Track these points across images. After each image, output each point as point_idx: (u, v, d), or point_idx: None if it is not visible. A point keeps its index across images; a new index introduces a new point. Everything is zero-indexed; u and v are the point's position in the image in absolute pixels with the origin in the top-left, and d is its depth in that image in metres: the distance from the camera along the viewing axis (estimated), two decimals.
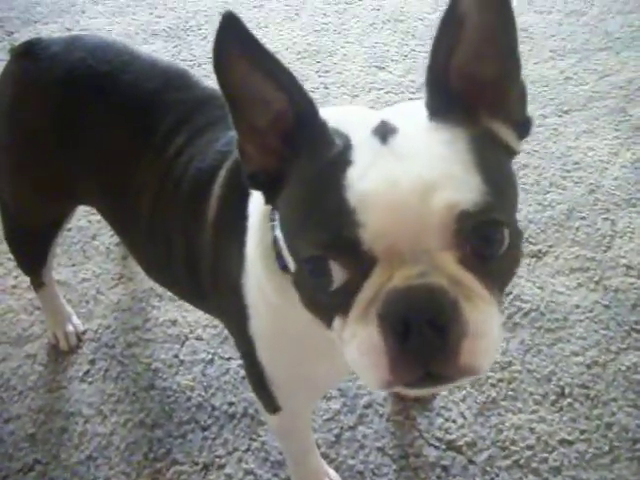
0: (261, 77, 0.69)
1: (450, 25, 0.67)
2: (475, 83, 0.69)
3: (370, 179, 0.63)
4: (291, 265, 0.76)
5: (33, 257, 1.45)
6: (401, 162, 0.63)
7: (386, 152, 0.65)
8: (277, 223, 0.79)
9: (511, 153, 0.73)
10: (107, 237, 1.79)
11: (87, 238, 1.81)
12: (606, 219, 1.75)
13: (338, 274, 0.65)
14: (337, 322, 0.68)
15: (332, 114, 0.73)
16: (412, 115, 0.70)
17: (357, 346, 0.65)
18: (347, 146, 0.67)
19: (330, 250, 0.64)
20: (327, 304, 0.68)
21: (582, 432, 1.36)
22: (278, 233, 0.79)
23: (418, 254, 0.62)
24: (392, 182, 0.62)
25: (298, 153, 0.71)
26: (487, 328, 0.63)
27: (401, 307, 0.61)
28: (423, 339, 0.60)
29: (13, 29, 2.64)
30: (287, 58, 2.32)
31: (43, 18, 2.69)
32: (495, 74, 0.70)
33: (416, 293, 0.61)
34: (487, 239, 0.64)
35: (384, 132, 0.67)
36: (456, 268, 0.63)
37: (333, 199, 0.63)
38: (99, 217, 1.73)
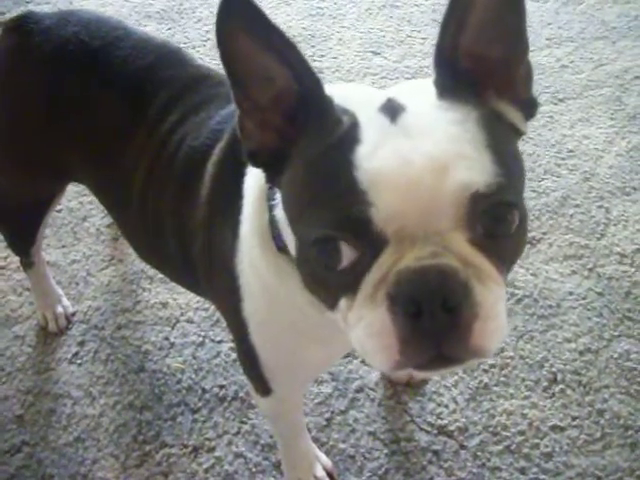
0: (265, 51, 0.67)
1: (459, 3, 0.66)
2: (483, 62, 0.69)
3: (381, 158, 0.62)
4: (291, 246, 0.75)
5: (22, 236, 1.43)
6: (412, 141, 0.62)
7: (396, 130, 0.64)
8: (275, 203, 0.77)
9: (518, 134, 0.73)
10: (98, 219, 1.77)
11: (78, 219, 1.79)
12: (600, 207, 1.75)
13: (347, 254, 0.63)
14: (343, 303, 0.66)
15: (337, 91, 0.71)
16: (419, 93, 0.69)
17: (365, 328, 0.64)
18: (354, 124, 0.66)
19: (340, 230, 0.63)
20: (333, 285, 0.67)
21: (574, 418, 1.35)
22: (276, 213, 0.77)
23: (429, 234, 0.61)
24: (404, 161, 0.61)
25: (302, 131, 0.69)
26: (497, 309, 0.63)
27: (413, 288, 0.60)
28: (435, 320, 0.59)
29: (5, 9, 2.60)
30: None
31: None
32: (503, 53, 0.69)
33: (428, 274, 0.60)
34: (498, 220, 0.63)
35: (392, 110, 0.66)
36: (467, 249, 0.62)
37: (342, 178, 0.62)
38: (90, 198, 1.73)
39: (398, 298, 0.61)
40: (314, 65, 2.18)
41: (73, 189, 1.76)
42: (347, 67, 2.21)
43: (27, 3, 2.62)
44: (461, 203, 0.60)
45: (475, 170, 0.61)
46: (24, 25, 1.14)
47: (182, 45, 2.31)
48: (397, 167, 0.61)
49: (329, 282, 0.67)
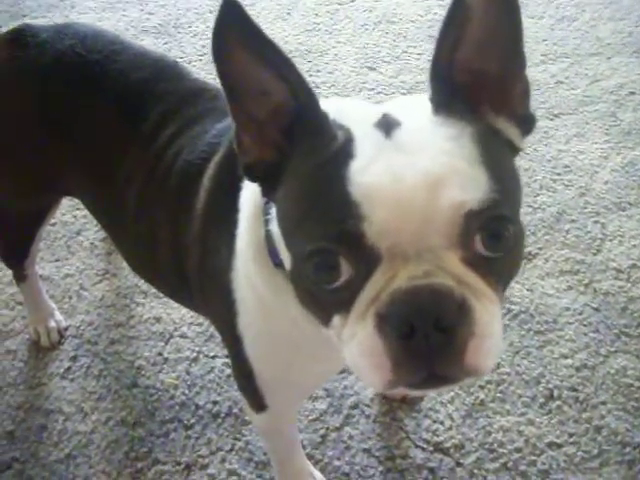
0: (261, 66, 0.67)
1: (456, 18, 0.66)
2: (480, 78, 0.68)
3: (374, 173, 0.61)
4: (286, 261, 0.74)
5: (16, 249, 1.42)
6: (406, 156, 0.62)
7: (390, 146, 0.63)
8: (271, 217, 0.77)
9: (514, 150, 0.72)
10: (92, 232, 1.76)
11: (72, 233, 1.78)
12: (596, 222, 1.75)
13: (341, 270, 0.63)
14: (336, 320, 0.66)
15: (333, 106, 0.71)
16: (415, 109, 0.69)
17: (357, 346, 0.63)
18: (349, 139, 0.65)
19: (333, 243, 0.62)
20: (327, 301, 0.66)
21: (571, 435, 1.34)
22: (272, 227, 0.77)
23: (423, 252, 0.60)
24: (397, 176, 0.60)
25: (298, 145, 0.69)
26: (492, 328, 0.62)
27: (406, 309, 0.60)
28: (428, 340, 0.59)
29: (1, 23, 2.60)
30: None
31: (32, 12, 2.66)
32: (500, 69, 0.69)
33: (421, 294, 0.59)
34: (493, 237, 0.63)
35: (387, 125, 0.65)
36: (461, 268, 0.61)
37: (336, 192, 0.62)
38: (84, 212, 1.72)
39: (390, 319, 0.60)
40: (310, 80, 2.19)
41: (67, 203, 1.75)
42: (343, 82, 2.22)
43: (23, 17, 2.62)
44: (455, 222, 0.60)
45: (469, 187, 0.60)
46: (20, 38, 1.14)
47: (179, 60, 2.29)
48: (390, 182, 0.60)
49: (323, 299, 0.67)
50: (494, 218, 0.62)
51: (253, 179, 0.75)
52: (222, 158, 0.94)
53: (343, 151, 0.64)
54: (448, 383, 0.63)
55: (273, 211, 0.76)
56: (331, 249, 0.62)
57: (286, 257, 0.73)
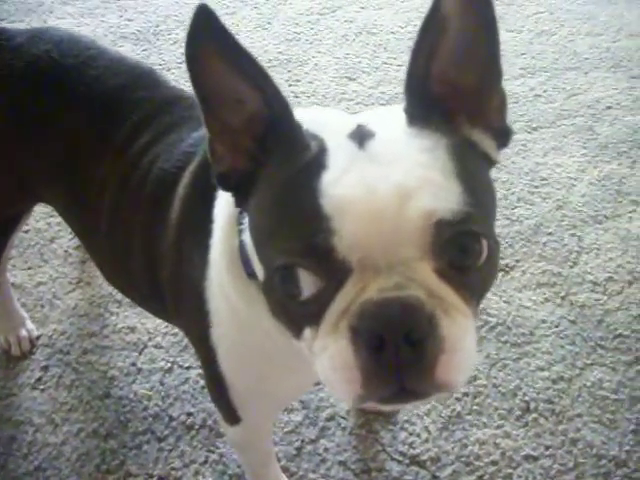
0: (235, 75, 0.66)
1: (431, 29, 0.65)
2: (455, 89, 0.68)
3: (346, 185, 0.60)
4: (259, 272, 0.73)
5: None
6: (378, 168, 0.61)
7: (363, 157, 0.63)
8: (244, 227, 0.76)
9: (490, 163, 0.72)
10: (66, 240, 1.73)
11: (45, 241, 1.75)
12: (573, 235, 1.75)
13: (310, 283, 0.62)
14: (307, 333, 0.65)
15: (307, 116, 0.71)
16: (390, 120, 0.68)
17: (328, 359, 0.62)
18: (322, 150, 0.65)
19: (303, 258, 0.61)
20: (298, 314, 0.65)
21: (547, 448, 1.34)
22: (245, 238, 0.76)
23: (394, 264, 0.60)
24: (369, 188, 0.60)
25: (271, 155, 0.68)
26: (464, 342, 0.61)
27: (376, 321, 0.59)
28: (398, 354, 0.58)
29: None
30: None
31: (9, 16, 2.63)
32: (476, 81, 0.68)
33: (392, 306, 0.59)
34: (465, 249, 0.62)
35: (361, 136, 0.65)
36: (433, 280, 0.61)
37: (306, 204, 0.61)
38: (58, 220, 1.69)
39: (360, 331, 0.59)
40: (290, 90, 2.18)
41: (41, 210, 1.72)
42: (323, 92, 2.22)
43: (1, 21, 2.59)
44: (425, 231, 0.59)
45: (440, 197, 0.60)
46: None
47: (157, 67, 2.29)
48: (361, 194, 0.60)
49: (293, 311, 0.66)
50: (467, 232, 0.61)
51: (227, 189, 0.74)
52: (197, 167, 0.93)
53: (316, 162, 0.64)
54: (419, 398, 0.62)
55: (246, 221, 0.75)
56: (301, 263, 0.61)
57: (259, 268, 0.72)
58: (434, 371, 0.59)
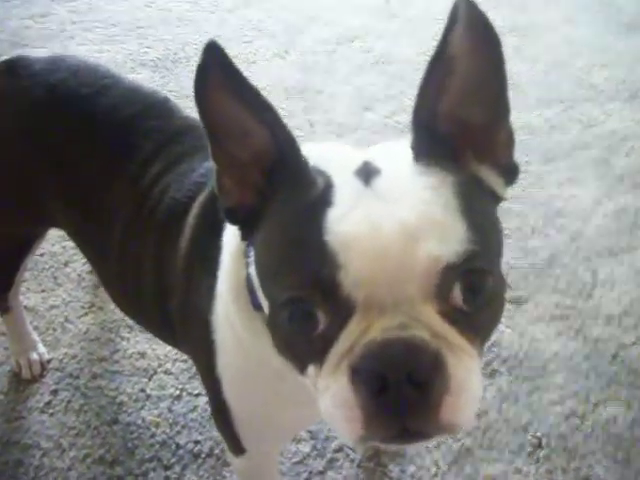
0: (243, 110, 0.67)
1: (438, 67, 0.66)
2: (462, 127, 0.68)
3: (351, 222, 0.61)
4: (265, 305, 0.73)
5: None
6: (384, 205, 0.61)
7: (369, 194, 0.63)
8: (251, 260, 0.76)
9: (497, 199, 0.72)
10: (80, 264, 1.75)
11: (59, 264, 1.76)
12: (587, 268, 1.74)
13: (315, 321, 0.62)
14: (311, 370, 0.65)
15: (314, 151, 0.71)
16: (396, 157, 0.69)
17: (330, 398, 0.62)
18: (328, 186, 0.65)
19: (308, 293, 0.61)
20: (302, 351, 0.65)
21: None
22: (252, 270, 0.76)
23: (399, 304, 0.59)
24: (374, 226, 0.60)
25: (277, 190, 0.69)
26: (470, 383, 0.61)
27: (378, 361, 0.58)
28: (401, 395, 0.57)
29: (1, 51, 2.62)
30: (274, 94, 2.31)
31: (32, 42, 2.67)
32: (483, 118, 0.68)
33: (395, 346, 0.58)
34: (471, 290, 0.61)
35: (367, 173, 0.65)
36: (438, 320, 0.60)
37: (312, 240, 0.61)
38: (73, 244, 1.70)
39: (362, 372, 0.59)
40: (305, 118, 2.19)
41: (56, 233, 1.73)
42: (338, 121, 2.23)
43: (24, 46, 2.64)
44: (432, 275, 0.59)
45: (447, 239, 0.60)
46: (13, 69, 1.14)
47: (175, 94, 2.32)
48: (367, 232, 0.60)
49: (298, 348, 0.66)
50: (472, 270, 0.61)
51: (233, 222, 0.74)
52: (207, 197, 0.93)
53: (322, 198, 0.64)
54: (422, 439, 0.62)
55: (252, 254, 0.75)
56: (306, 298, 0.61)
57: (264, 302, 0.72)
58: (438, 412, 0.58)
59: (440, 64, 0.65)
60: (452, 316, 0.61)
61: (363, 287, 0.59)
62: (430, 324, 0.60)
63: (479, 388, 0.62)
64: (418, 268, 0.59)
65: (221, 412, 0.94)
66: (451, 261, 0.59)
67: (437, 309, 0.60)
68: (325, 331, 0.62)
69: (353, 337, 0.60)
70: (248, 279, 0.78)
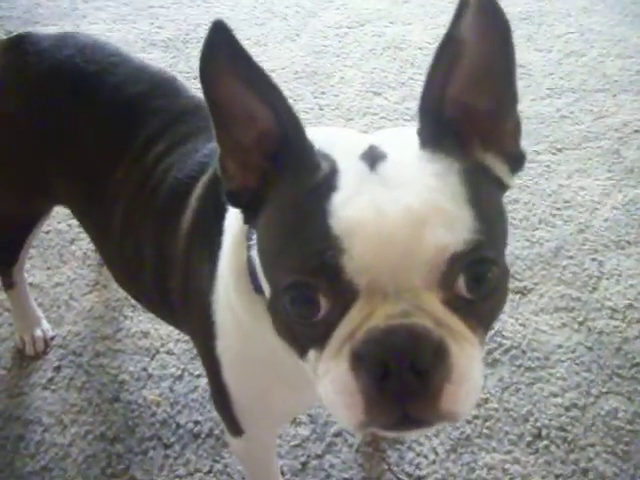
0: (248, 92, 0.66)
1: (447, 52, 0.65)
2: (470, 113, 0.67)
3: (356, 207, 0.60)
4: (266, 289, 0.73)
5: (4, 255, 1.41)
6: (390, 191, 0.61)
7: (374, 179, 0.62)
8: (253, 243, 0.75)
9: (503, 187, 0.71)
10: (85, 242, 1.75)
11: (65, 242, 1.77)
12: (594, 260, 1.73)
13: (317, 305, 0.61)
14: (312, 355, 0.64)
15: (319, 135, 0.70)
16: (402, 142, 0.68)
17: (330, 383, 0.62)
18: (333, 170, 0.64)
19: (311, 276, 0.60)
20: (303, 335, 0.65)
21: (557, 476, 1.31)
22: (254, 253, 0.75)
23: (402, 291, 0.59)
24: (380, 211, 0.59)
25: (281, 174, 0.68)
26: (472, 372, 0.61)
27: (381, 348, 0.58)
28: (402, 382, 0.57)
29: (13, 29, 2.61)
30: (284, 77, 2.30)
31: (44, 20, 2.67)
32: (491, 105, 0.68)
33: (398, 334, 0.58)
34: (476, 279, 0.61)
35: (373, 158, 0.64)
36: (441, 309, 0.60)
37: (316, 224, 0.61)
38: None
39: (364, 358, 0.59)
40: (315, 102, 2.18)
41: (62, 211, 1.73)
42: (347, 105, 2.22)
43: (35, 24, 2.64)
44: (437, 264, 0.59)
45: (454, 227, 0.59)
46: (20, 45, 1.14)
47: (184, 75, 2.31)
48: (372, 217, 0.59)
49: (299, 332, 0.65)
50: (477, 260, 0.61)
51: (237, 205, 0.73)
52: (210, 179, 0.93)
53: (326, 182, 0.63)
54: (422, 426, 0.62)
55: (255, 237, 0.75)
56: (309, 282, 0.61)
57: (266, 286, 0.72)
58: (439, 400, 0.58)
59: (449, 49, 0.64)
60: (455, 304, 0.61)
61: (367, 273, 0.59)
62: (433, 312, 0.59)
63: (480, 377, 0.62)
64: (424, 256, 0.58)
65: (220, 394, 0.94)
66: (457, 250, 0.58)
67: (441, 297, 0.60)
68: (327, 316, 0.61)
69: (355, 323, 0.60)
70: (249, 262, 0.77)
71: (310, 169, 0.65)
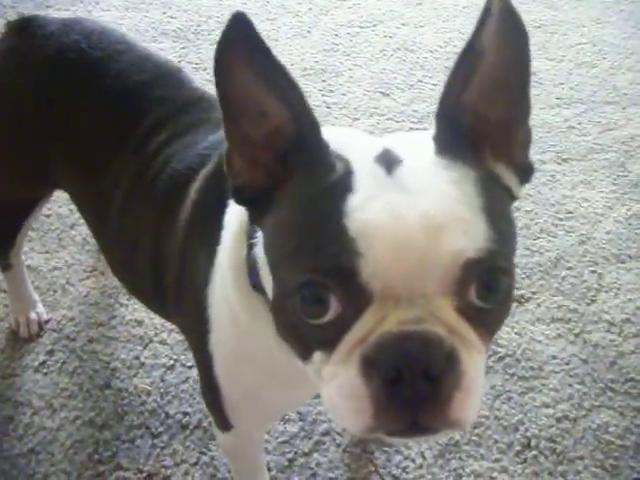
0: (264, 87, 0.65)
1: (469, 57, 0.65)
2: (484, 122, 0.67)
3: (374, 210, 0.59)
4: (269, 288, 0.71)
5: (1, 238, 1.41)
6: (407, 196, 0.60)
7: (391, 183, 0.61)
8: (256, 241, 0.74)
9: (512, 198, 0.71)
10: (85, 228, 1.72)
11: (65, 226, 1.77)
12: (593, 272, 1.72)
13: (327, 306, 0.61)
14: (317, 357, 0.63)
15: (332, 136, 0.69)
16: (417, 147, 0.67)
17: (338, 387, 0.61)
18: (348, 172, 0.63)
19: (326, 277, 0.60)
20: (310, 337, 0.64)
21: None
22: (255, 251, 0.74)
23: (416, 297, 0.59)
24: (397, 216, 0.59)
25: (293, 173, 0.67)
26: (478, 381, 0.61)
27: (394, 354, 0.58)
28: (414, 388, 0.57)
29: (26, 12, 2.61)
30: (293, 73, 2.28)
31: (56, 4, 2.67)
32: (505, 115, 0.68)
33: (412, 340, 0.58)
34: (489, 288, 0.61)
35: (388, 162, 0.64)
36: (454, 316, 0.60)
37: (332, 225, 0.60)
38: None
39: (377, 363, 0.58)
40: (322, 99, 2.17)
41: (64, 195, 1.73)
42: (355, 105, 2.21)
43: (48, 8, 2.63)
44: (452, 270, 0.58)
45: (470, 235, 0.59)
46: (27, 27, 1.14)
47: (194, 65, 2.31)
48: (390, 221, 0.58)
49: (306, 333, 0.64)
50: (491, 269, 0.61)
51: (242, 202, 0.72)
52: (211, 171, 0.92)
53: (341, 184, 0.62)
54: (428, 433, 0.61)
55: (258, 235, 0.74)
56: (322, 283, 0.60)
57: (269, 285, 0.71)
58: (449, 407, 0.58)
59: (470, 57, 0.64)
60: (468, 313, 0.60)
61: (382, 276, 0.58)
62: (446, 319, 0.59)
63: (482, 384, 0.62)
64: (440, 262, 0.58)
65: (210, 388, 0.93)
66: (472, 257, 0.58)
67: (454, 304, 0.60)
68: (338, 318, 0.61)
69: (367, 327, 0.59)
70: (248, 259, 0.76)
71: (324, 170, 0.64)
